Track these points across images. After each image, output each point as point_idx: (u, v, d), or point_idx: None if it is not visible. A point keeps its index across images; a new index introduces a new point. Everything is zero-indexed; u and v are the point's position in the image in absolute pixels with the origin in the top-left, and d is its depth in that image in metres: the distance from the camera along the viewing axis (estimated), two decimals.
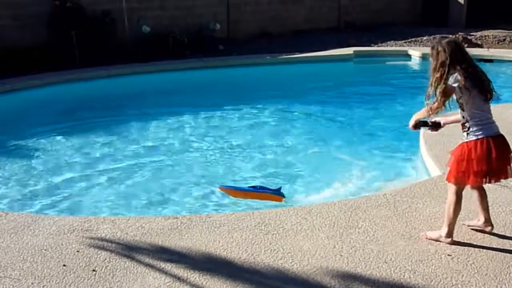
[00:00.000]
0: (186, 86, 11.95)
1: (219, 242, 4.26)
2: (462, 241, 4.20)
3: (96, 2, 13.72)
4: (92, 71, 12.24)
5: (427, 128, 4.32)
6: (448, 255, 4.01)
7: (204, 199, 6.18)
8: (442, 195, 5.03)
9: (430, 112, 4.02)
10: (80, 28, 12.84)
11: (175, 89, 11.75)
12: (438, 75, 3.89)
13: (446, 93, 3.87)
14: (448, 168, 4.11)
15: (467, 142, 3.96)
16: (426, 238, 4.25)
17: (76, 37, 12.76)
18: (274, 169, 7.02)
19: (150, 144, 8.19)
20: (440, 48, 3.93)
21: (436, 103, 3.92)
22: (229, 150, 7.84)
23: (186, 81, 12.23)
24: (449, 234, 4.13)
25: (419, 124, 4.23)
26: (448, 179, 4.08)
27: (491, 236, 4.26)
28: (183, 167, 7.22)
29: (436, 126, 4.27)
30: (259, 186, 6.01)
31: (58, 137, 8.39)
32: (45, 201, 6.15)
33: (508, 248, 4.09)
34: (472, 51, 14.38)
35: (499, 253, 4.03)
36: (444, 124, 4.28)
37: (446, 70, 3.86)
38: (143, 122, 9.18)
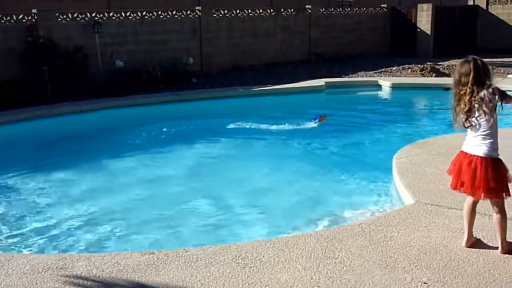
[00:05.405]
0: (160, 119, 11.95)
1: (196, 277, 4.23)
2: (437, 267, 4.25)
3: (69, 37, 13.75)
4: (64, 107, 12.17)
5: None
6: (424, 283, 4.05)
7: (180, 232, 6.15)
8: (416, 223, 5.11)
9: None
10: (53, 63, 12.82)
11: (149, 122, 11.73)
12: None
13: None
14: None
15: None
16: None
17: (49, 73, 12.72)
18: (247, 200, 7.02)
19: (123, 179, 8.13)
20: None
21: None
22: (201, 181, 7.89)
23: (160, 114, 12.24)
24: None
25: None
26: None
27: (465, 263, 4.33)
28: (158, 200, 7.18)
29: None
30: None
31: (29, 174, 8.26)
32: (17, 240, 6.02)
33: (482, 275, 4.15)
34: (440, 80, 14.89)
35: (474, 279, 4.09)
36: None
37: None
38: (116, 157, 9.12)
